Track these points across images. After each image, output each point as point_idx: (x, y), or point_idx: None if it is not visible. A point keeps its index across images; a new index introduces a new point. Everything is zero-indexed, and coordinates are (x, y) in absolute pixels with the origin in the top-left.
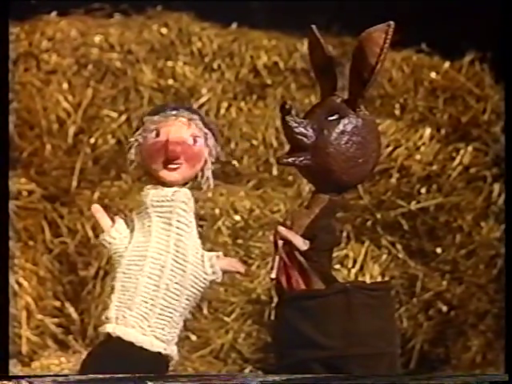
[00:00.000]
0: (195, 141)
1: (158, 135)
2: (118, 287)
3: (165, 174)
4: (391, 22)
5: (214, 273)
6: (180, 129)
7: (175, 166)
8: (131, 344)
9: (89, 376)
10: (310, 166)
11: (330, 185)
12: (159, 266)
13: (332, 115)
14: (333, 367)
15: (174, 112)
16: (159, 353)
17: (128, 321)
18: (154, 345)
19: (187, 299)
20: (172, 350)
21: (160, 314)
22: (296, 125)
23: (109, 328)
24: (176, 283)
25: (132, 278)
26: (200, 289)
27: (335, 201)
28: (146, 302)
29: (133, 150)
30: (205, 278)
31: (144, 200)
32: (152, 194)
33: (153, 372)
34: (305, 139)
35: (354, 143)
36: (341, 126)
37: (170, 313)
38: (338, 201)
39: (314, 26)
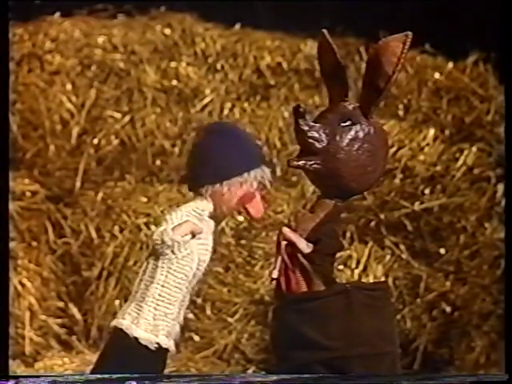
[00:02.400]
0: None
1: (256, 189)
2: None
3: (230, 213)
4: (409, 32)
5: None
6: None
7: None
8: (166, 350)
9: (88, 376)
10: (319, 171)
11: (336, 190)
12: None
13: (345, 121)
14: (335, 368)
15: (265, 170)
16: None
17: (174, 332)
18: (171, 346)
19: None
20: None
21: (179, 319)
22: (308, 128)
23: (160, 340)
24: (192, 288)
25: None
26: None
27: (340, 207)
28: (179, 310)
29: (228, 185)
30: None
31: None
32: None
33: (162, 367)
34: (316, 143)
35: (365, 150)
36: (353, 133)
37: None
38: (342, 207)
39: (325, 31)
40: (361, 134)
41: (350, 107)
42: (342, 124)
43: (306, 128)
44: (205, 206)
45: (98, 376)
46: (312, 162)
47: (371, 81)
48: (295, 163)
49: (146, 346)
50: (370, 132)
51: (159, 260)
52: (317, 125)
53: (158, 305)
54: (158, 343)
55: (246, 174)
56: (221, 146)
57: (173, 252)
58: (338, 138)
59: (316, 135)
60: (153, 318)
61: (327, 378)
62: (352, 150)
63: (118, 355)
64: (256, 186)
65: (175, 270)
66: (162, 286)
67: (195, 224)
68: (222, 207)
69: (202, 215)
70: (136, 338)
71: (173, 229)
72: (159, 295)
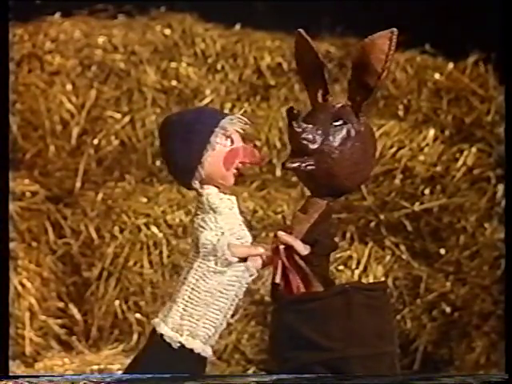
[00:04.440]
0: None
1: (232, 142)
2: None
3: (231, 179)
4: (394, 29)
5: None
6: (239, 136)
7: (236, 172)
8: (186, 350)
9: (88, 376)
10: (312, 171)
11: (328, 190)
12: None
13: (336, 120)
14: (334, 368)
15: (233, 119)
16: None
17: (200, 333)
18: (208, 352)
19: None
20: None
21: (221, 324)
22: (302, 130)
23: (183, 340)
24: (238, 296)
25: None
26: None
27: (332, 206)
28: (218, 317)
29: (207, 160)
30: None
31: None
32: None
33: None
34: (310, 144)
35: (357, 149)
36: (345, 132)
37: (225, 321)
38: (334, 206)
39: (301, 30)
40: (353, 133)
41: (339, 106)
42: (334, 123)
43: (299, 130)
44: (213, 194)
45: (98, 376)
46: (306, 163)
47: (360, 79)
48: (290, 165)
49: (169, 344)
50: (361, 130)
51: (195, 262)
52: (310, 126)
53: (186, 306)
54: (180, 342)
55: (210, 141)
56: (174, 135)
57: (216, 263)
58: (331, 137)
59: (310, 136)
60: (180, 317)
61: (326, 378)
62: (345, 149)
63: (147, 351)
64: (232, 141)
65: (207, 277)
66: (192, 288)
67: (254, 249)
68: (219, 184)
69: (226, 202)
70: (162, 335)
71: (229, 246)
72: (188, 297)
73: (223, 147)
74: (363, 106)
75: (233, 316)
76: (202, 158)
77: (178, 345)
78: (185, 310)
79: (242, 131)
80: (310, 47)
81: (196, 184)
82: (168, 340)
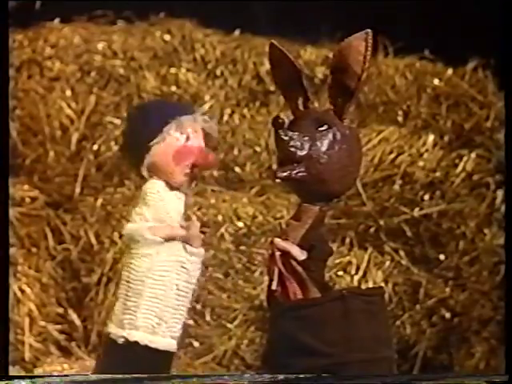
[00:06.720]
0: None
1: (188, 139)
2: (145, 296)
3: (181, 177)
4: (368, 30)
5: (195, 253)
6: (200, 136)
7: (189, 171)
8: (146, 347)
9: (89, 377)
10: (303, 178)
11: (319, 195)
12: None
13: (321, 126)
14: (332, 374)
15: (197, 118)
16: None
17: (141, 324)
18: (171, 345)
19: (191, 292)
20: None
21: (174, 314)
22: (288, 138)
23: (125, 334)
24: (184, 281)
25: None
26: (197, 275)
27: (325, 211)
28: (158, 305)
29: (156, 149)
30: (195, 262)
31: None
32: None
33: (165, 369)
34: (298, 152)
35: (344, 152)
36: (331, 136)
37: (182, 310)
38: (326, 211)
39: (274, 41)
40: (338, 136)
41: (322, 111)
42: (320, 129)
43: (286, 138)
44: (152, 185)
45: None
46: (297, 171)
47: (341, 83)
48: (281, 174)
49: (115, 341)
50: (346, 133)
51: (124, 256)
52: (296, 133)
53: (125, 300)
54: (123, 337)
55: (162, 131)
56: (134, 120)
57: (137, 247)
58: (318, 143)
59: (297, 144)
60: (122, 312)
61: (326, 378)
62: (333, 153)
63: (103, 354)
64: (188, 138)
65: (135, 265)
66: (127, 281)
67: (176, 229)
68: (167, 177)
69: (160, 195)
70: (109, 333)
71: (149, 228)
72: (126, 291)
73: (175, 141)
74: (346, 109)
75: (232, 321)
76: (146, 151)
77: (122, 340)
78: (124, 304)
79: (213, 132)
80: (285, 57)
81: (145, 172)
82: (113, 337)
